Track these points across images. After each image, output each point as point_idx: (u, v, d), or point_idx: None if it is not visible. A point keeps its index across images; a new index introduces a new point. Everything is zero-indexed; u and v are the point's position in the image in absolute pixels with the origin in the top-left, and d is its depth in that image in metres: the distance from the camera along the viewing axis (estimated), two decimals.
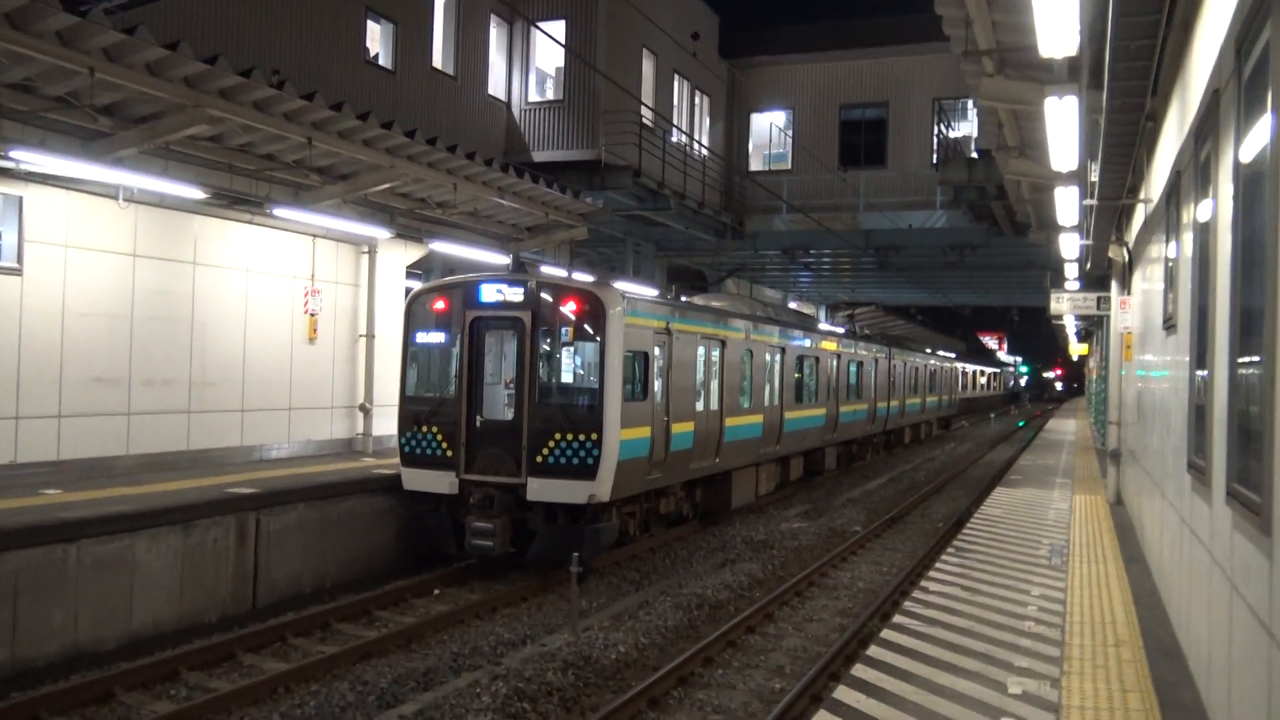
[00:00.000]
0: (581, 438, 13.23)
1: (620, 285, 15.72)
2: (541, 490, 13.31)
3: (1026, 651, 7.44)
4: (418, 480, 13.97)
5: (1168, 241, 7.68)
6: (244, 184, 14.54)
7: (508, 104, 21.68)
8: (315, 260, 16.44)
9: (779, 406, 20.70)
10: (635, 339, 13.96)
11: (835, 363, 25.42)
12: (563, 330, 13.62)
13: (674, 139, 24.49)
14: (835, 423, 25.31)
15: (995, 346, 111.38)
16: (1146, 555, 10.32)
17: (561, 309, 13.55)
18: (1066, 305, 17.54)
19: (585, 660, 9.90)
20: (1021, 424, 62.29)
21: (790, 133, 27.96)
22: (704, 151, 25.79)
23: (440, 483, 13.75)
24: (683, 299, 18.33)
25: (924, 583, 9.58)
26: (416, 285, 15.75)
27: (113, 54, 10.90)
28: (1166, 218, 7.64)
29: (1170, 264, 7.46)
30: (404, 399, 14.37)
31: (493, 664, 9.89)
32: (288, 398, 16.00)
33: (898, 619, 8.55)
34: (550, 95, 21.70)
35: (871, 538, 18.12)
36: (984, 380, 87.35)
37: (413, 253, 18.47)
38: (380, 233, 16.35)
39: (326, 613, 11.76)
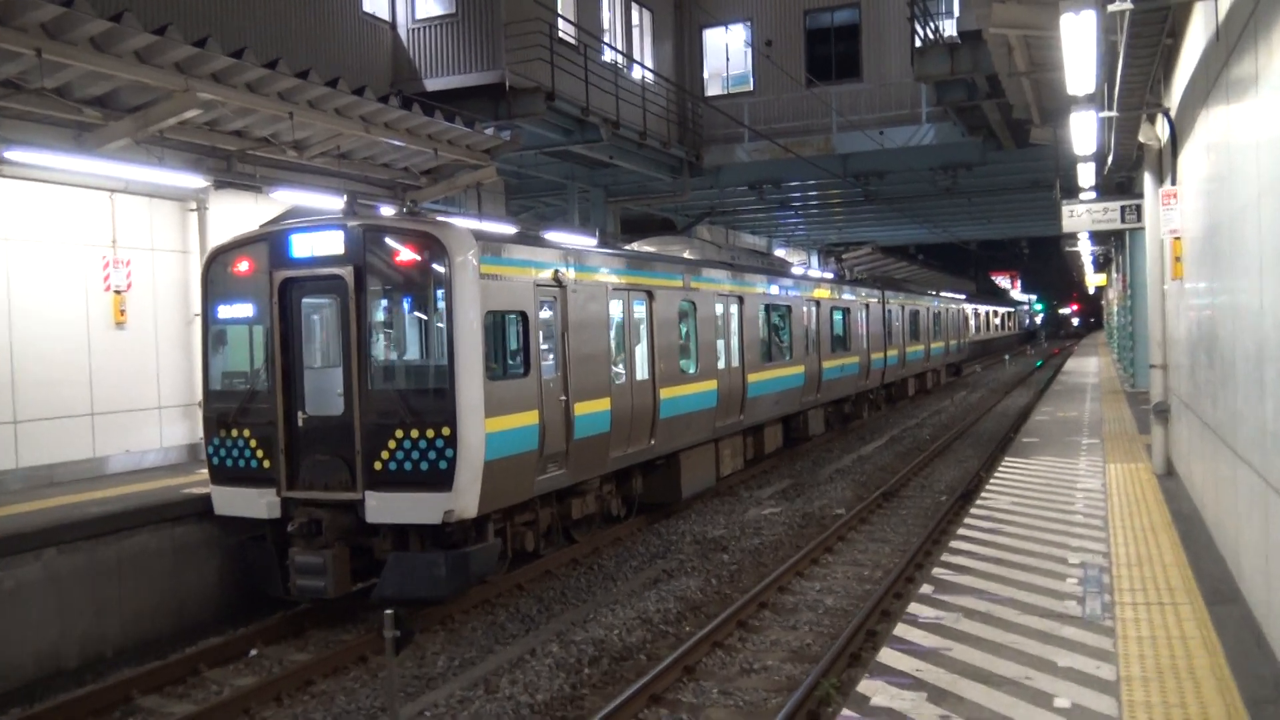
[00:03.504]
0: (430, 434, 9.65)
1: (473, 224, 12.11)
2: (384, 508, 9.78)
3: None
4: (230, 501, 10.48)
5: None
6: None
7: (392, 24, 17.91)
8: (115, 221, 12.82)
9: (740, 369, 17.06)
10: (503, 294, 10.35)
11: (814, 311, 21.69)
12: (392, 288, 10.05)
13: (604, 58, 20.66)
14: (818, 381, 21.64)
15: (1008, 285, 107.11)
16: (1248, 592, 6.48)
17: (393, 260, 9.94)
18: (1083, 219, 13.78)
19: None
20: (1039, 364, 58.51)
21: (750, 47, 24.05)
22: (646, 74, 21.95)
23: (256, 504, 10.24)
24: (580, 242, 14.62)
25: (865, 684, 5.74)
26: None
27: None
28: None
29: None
30: (207, 394, 10.83)
31: None
32: (88, 400, 12.46)
33: None
34: (441, 10, 17.88)
35: (857, 523, 14.56)
36: (997, 321, 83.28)
37: (265, 208, 14.82)
38: (188, 180, 12.72)
39: (59, 709, 8.28)
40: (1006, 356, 62.51)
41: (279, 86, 12.71)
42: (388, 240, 9.91)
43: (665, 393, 13.95)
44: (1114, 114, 9.22)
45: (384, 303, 10.19)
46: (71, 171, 11.87)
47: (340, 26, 16.80)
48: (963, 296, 50.55)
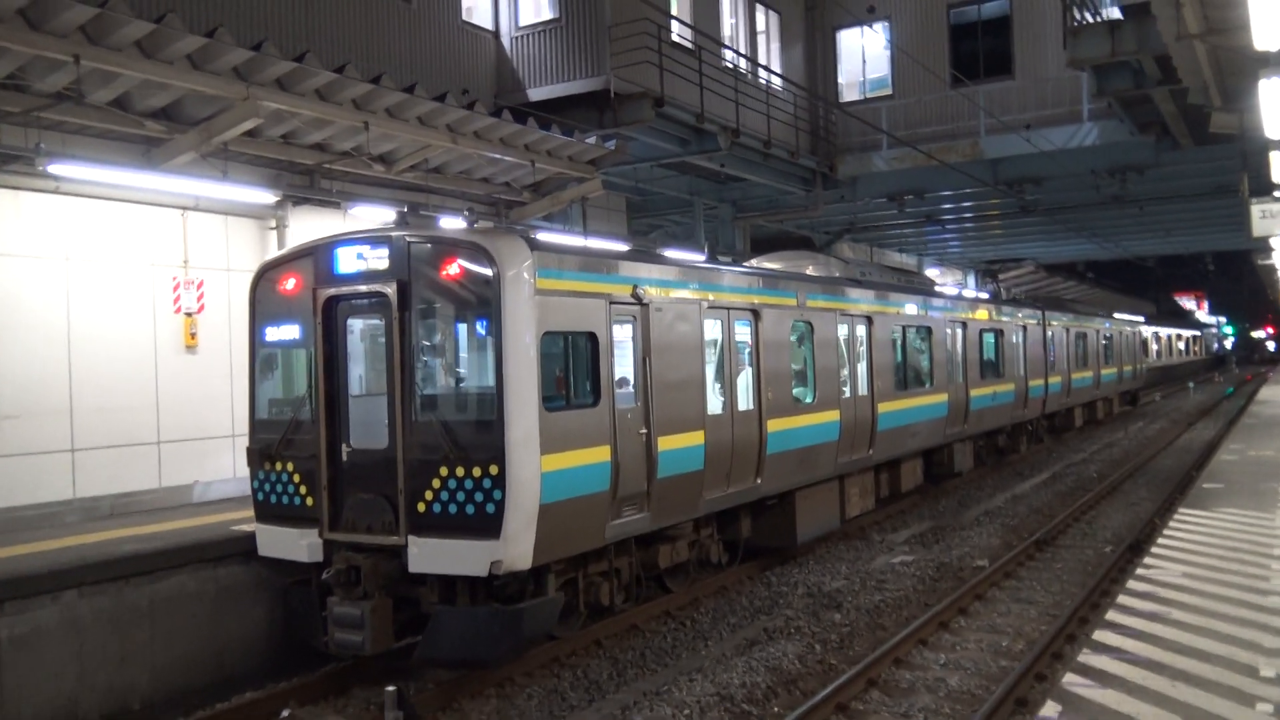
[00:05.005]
0: (476, 472, 8.42)
1: (532, 234, 10.86)
2: (427, 556, 8.59)
3: None
4: (273, 542, 9.52)
5: None
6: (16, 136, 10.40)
7: (495, 33, 17.02)
8: (187, 240, 12.23)
9: (869, 397, 15.23)
10: (565, 312, 9.04)
11: (959, 333, 19.55)
12: (438, 306, 8.89)
13: (725, 64, 19.24)
14: (965, 411, 19.45)
15: (1194, 307, 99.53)
16: None
17: (438, 275, 8.78)
18: (1278, 220, 11.46)
19: None
20: (1230, 391, 53.41)
21: (889, 48, 22.19)
22: (772, 79, 20.41)
23: (297, 546, 9.24)
24: (673, 256, 13.19)
25: None
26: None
27: None
28: None
29: None
30: (253, 424, 9.91)
31: None
32: (154, 428, 11.85)
33: None
34: (545, 15, 16.88)
35: (1000, 577, 12.55)
36: (1180, 345, 77.14)
37: (353, 226, 14.02)
38: (260, 196, 12.01)
39: None
40: (1191, 384, 57.34)
41: (351, 93, 11.91)
42: (432, 253, 8.77)
43: (773, 425, 12.33)
44: None
45: (429, 322, 9.03)
46: (138, 189, 11.31)
47: (438, 36, 15.98)
48: (1140, 319, 46.48)
